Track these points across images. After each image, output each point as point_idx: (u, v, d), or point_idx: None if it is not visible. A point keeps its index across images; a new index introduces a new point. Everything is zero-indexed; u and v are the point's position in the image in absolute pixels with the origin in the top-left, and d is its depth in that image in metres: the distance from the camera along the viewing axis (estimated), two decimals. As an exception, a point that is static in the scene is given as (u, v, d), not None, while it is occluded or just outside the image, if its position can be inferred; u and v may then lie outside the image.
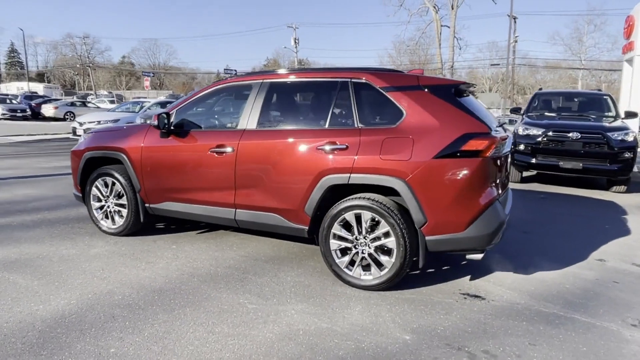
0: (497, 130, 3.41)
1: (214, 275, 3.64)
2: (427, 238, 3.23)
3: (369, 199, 3.33)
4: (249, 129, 3.82)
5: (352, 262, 3.46)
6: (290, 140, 3.61)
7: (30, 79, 74.58)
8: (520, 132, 8.07)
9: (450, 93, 3.33)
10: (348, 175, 3.37)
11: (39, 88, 63.62)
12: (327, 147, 3.44)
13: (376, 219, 3.32)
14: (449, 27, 43.73)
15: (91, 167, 4.65)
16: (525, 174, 8.73)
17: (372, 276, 3.39)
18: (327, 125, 3.56)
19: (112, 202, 4.54)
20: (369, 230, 3.37)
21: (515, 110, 9.47)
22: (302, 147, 3.55)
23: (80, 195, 4.77)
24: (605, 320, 3.07)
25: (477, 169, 3.13)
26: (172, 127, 4.11)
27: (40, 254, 4.03)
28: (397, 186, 3.23)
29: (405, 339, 2.75)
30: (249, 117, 3.85)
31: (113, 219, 4.56)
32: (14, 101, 28.60)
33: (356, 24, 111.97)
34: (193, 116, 4.23)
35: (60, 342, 2.60)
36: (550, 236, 5.02)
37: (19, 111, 25.46)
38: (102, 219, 4.64)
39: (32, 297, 3.16)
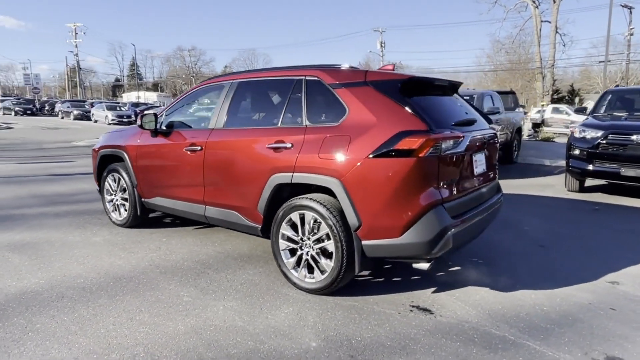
0: (452, 129, 3.11)
1: (177, 268, 3.81)
2: (363, 243, 3.05)
3: (311, 199, 3.24)
4: (216, 128, 3.95)
5: (298, 264, 3.39)
6: (247, 139, 3.66)
7: (147, 89, 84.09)
8: (576, 134, 7.14)
9: (395, 89, 3.10)
10: (291, 174, 3.32)
11: (153, 97, 71.58)
12: (275, 146, 3.42)
13: (317, 220, 3.22)
14: (549, 22, 40.03)
15: (105, 164, 5.15)
16: (589, 182, 7.70)
17: (315, 279, 3.29)
18: (279, 124, 3.55)
19: (119, 196, 4.97)
20: (312, 231, 3.28)
21: (580, 110, 8.40)
22: (256, 146, 3.58)
23: (98, 189, 5.31)
24: (562, 350, 2.63)
25: (412, 169, 2.88)
26: (157, 127, 4.39)
27: (49, 238, 4.56)
28: (332, 186, 3.11)
29: (311, 345, 2.63)
30: (217, 117, 3.98)
31: (120, 212, 5.00)
32: (122, 108, 32.46)
33: (448, 24, 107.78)
34: (178, 116, 4.48)
35: (3, 314, 2.94)
36: (569, 252, 4.39)
37: (125, 117, 28.84)
38: (112, 211, 5.11)
39: (14, 275, 3.60)
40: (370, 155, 2.96)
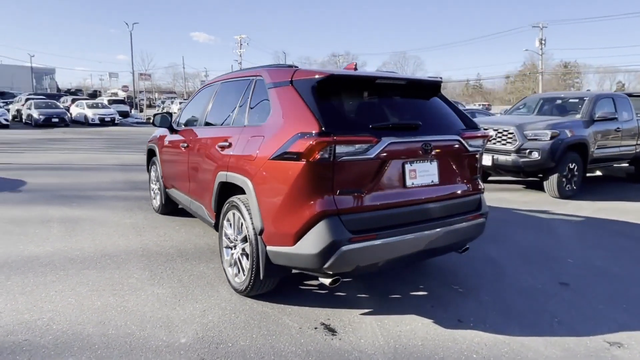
0: (365, 133, 2.76)
1: (157, 253, 4.18)
2: (267, 248, 2.93)
3: (238, 198, 3.24)
4: (198, 127, 4.22)
5: (234, 262, 3.42)
6: (208, 137, 3.86)
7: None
8: None
9: (311, 88, 2.87)
10: (226, 173, 3.37)
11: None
12: (222, 145, 3.52)
13: (241, 220, 3.21)
14: None
15: (150, 156, 5.89)
16: None
17: (239, 280, 3.28)
18: (231, 124, 3.62)
19: (156, 186, 5.65)
20: (239, 231, 3.28)
21: None
22: (211, 145, 3.73)
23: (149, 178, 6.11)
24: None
25: (301, 174, 2.65)
26: (171, 124, 4.87)
27: (95, 217, 5.43)
28: (244, 186, 3.08)
29: (180, 341, 2.67)
30: (201, 116, 4.26)
31: (156, 199, 5.67)
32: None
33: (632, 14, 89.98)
34: (185, 115, 4.89)
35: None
36: (588, 292, 3.45)
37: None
38: (152, 198, 5.82)
39: (38, 241, 4.42)
40: (271, 157, 2.85)
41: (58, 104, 26.60)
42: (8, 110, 25.86)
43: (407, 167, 2.93)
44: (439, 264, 4.05)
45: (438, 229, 3.03)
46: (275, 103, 3.08)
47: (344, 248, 2.63)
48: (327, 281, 2.81)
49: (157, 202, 5.62)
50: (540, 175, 7.36)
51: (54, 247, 4.28)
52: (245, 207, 3.11)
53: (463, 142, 3.19)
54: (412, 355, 2.58)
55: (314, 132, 2.65)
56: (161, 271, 3.75)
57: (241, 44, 53.63)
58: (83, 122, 26.22)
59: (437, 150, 3.06)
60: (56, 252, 4.13)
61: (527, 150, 7.03)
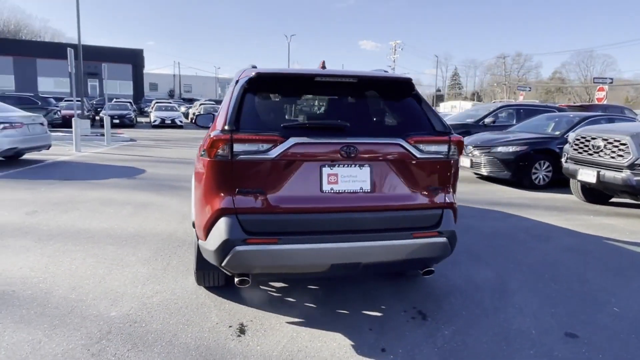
0: (272, 132, 2.67)
1: (177, 240, 4.63)
2: (199, 241, 3.04)
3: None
4: None
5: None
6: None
7: (464, 98, 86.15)
8: None
9: (242, 87, 2.87)
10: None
11: (467, 105, 73.10)
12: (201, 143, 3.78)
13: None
14: None
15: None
16: None
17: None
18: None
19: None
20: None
21: None
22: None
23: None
24: None
25: (207, 171, 2.72)
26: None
27: (163, 203, 6.25)
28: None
29: (109, 312, 2.97)
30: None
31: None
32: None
33: None
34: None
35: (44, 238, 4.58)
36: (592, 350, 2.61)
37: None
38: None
39: (102, 219, 5.32)
40: (199, 154, 2.98)
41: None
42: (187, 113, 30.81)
43: (325, 170, 2.71)
44: (436, 288, 3.57)
45: (367, 243, 2.72)
46: (223, 101, 3.20)
47: (238, 248, 2.58)
48: (235, 280, 2.79)
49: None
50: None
51: (110, 224, 5.12)
52: None
53: (407, 146, 2.80)
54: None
55: (219, 129, 2.68)
56: (162, 255, 4.17)
57: (395, 50, 53.84)
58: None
59: (369, 155, 2.75)
60: (106, 228, 4.95)
61: (646, 167, 5.54)
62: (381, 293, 3.44)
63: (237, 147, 2.62)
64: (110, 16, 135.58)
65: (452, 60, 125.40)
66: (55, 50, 41.14)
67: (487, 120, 11.30)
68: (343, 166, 2.74)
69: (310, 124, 2.97)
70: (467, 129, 10.95)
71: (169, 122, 26.65)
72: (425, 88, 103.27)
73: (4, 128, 8.70)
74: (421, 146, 2.83)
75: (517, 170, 8.14)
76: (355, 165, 2.75)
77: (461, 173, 10.92)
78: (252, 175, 2.67)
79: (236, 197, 2.66)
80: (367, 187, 2.77)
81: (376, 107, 3.29)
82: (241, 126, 2.68)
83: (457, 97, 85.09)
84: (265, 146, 2.64)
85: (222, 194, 2.67)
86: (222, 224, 2.64)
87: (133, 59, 47.75)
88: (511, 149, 8.21)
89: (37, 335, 2.68)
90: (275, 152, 2.64)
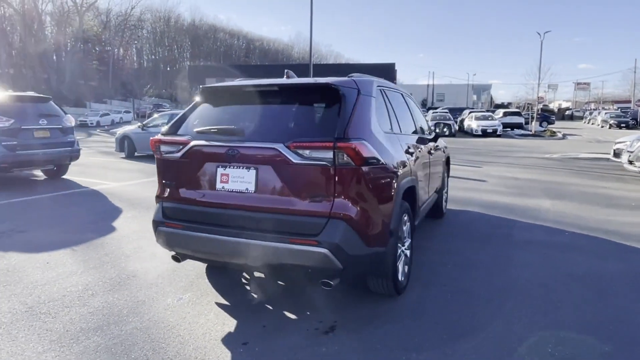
0: (191, 136, 3.21)
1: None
2: None
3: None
4: None
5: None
6: None
7: None
8: None
9: (199, 97, 3.48)
10: None
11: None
12: None
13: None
14: None
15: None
16: None
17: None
18: None
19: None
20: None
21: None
22: None
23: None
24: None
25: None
26: None
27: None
28: None
29: (96, 303, 3.73)
30: None
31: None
32: None
33: None
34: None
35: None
36: None
37: None
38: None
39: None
40: None
41: (449, 115, 29.67)
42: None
43: (220, 170, 3.06)
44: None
45: (249, 240, 2.88)
46: None
47: (161, 228, 3.23)
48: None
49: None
50: None
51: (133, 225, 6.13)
52: None
53: (284, 151, 2.82)
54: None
55: (160, 134, 3.38)
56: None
57: None
58: (468, 133, 28.25)
59: (252, 158, 2.96)
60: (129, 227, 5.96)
61: None
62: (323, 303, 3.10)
63: (163, 148, 3.25)
64: (391, 33, 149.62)
65: None
66: (327, 71, 48.98)
67: None
68: (234, 167, 3.02)
69: (213, 129, 3.19)
70: None
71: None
72: None
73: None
74: (301, 151, 2.77)
75: None
76: (244, 167, 2.99)
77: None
78: (170, 171, 3.25)
79: (161, 186, 3.30)
80: (252, 188, 2.96)
81: (288, 113, 3.25)
82: (180, 131, 3.28)
83: None
84: (177, 147, 3.17)
85: (158, 184, 3.39)
86: (155, 208, 3.38)
87: (385, 73, 51.29)
88: None
89: None
90: (180, 153, 3.14)
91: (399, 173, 3.32)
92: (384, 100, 3.72)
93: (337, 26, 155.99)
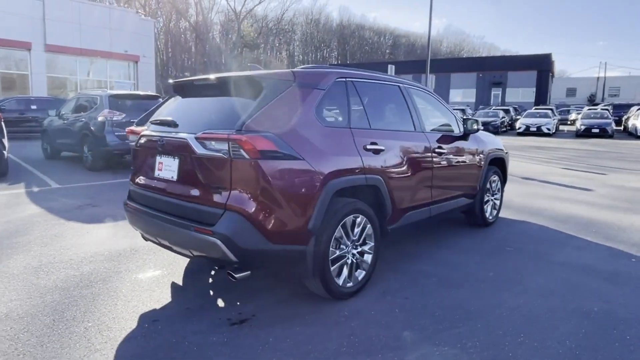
0: (147, 126, 3.59)
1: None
2: None
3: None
4: None
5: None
6: None
7: None
8: None
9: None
10: None
11: None
12: None
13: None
14: None
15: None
16: None
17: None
18: None
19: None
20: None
21: None
22: None
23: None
24: None
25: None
26: None
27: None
28: None
29: (86, 269, 4.52)
30: None
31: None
32: None
33: None
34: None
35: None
36: None
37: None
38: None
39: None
40: None
41: (607, 114, 25.21)
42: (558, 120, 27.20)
43: (158, 158, 3.36)
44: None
45: (163, 223, 3.15)
46: None
47: (126, 208, 3.66)
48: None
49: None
50: None
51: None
52: None
53: (191, 142, 2.96)
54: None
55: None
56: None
57: None
58: (632, 134, 23.62)
59: (173, 148, 3.17)
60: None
61: None
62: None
63: (131, 137, 3.71)
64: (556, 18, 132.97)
65: None
66: (468, 65, 46.45)
67: None
68: (167, 156, 3.27)
69: (156, 121, 3.52)
70: None
71: (534, 129, 25.01)
72: None
73: None
74: (206, 142, 2.90)
75: None
76: (171, 156, 3.23)
77: None
78: (134, 158, 3.72)
79: (131, 172, 3.78)
80: (174, 176, 3.20)
81: (217, 105, 3.35)
82: (146, 123, 3.70)
83: None
84: (135, 137, 3.61)
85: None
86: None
87: (538, 64, 46.18)
88: None
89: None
90: (134, 142, 3.63)
91: (332, 170, 3.11)
92: (346, 93, 3.50)
93: (499, 16, 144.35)
